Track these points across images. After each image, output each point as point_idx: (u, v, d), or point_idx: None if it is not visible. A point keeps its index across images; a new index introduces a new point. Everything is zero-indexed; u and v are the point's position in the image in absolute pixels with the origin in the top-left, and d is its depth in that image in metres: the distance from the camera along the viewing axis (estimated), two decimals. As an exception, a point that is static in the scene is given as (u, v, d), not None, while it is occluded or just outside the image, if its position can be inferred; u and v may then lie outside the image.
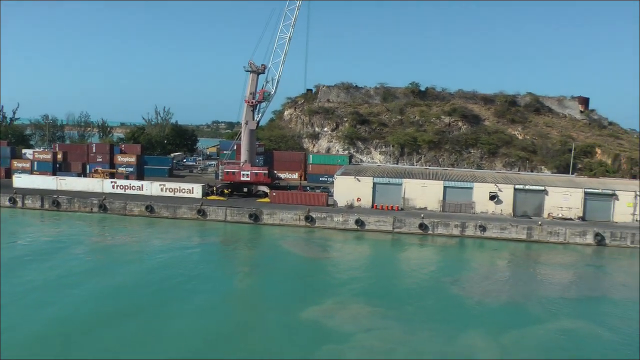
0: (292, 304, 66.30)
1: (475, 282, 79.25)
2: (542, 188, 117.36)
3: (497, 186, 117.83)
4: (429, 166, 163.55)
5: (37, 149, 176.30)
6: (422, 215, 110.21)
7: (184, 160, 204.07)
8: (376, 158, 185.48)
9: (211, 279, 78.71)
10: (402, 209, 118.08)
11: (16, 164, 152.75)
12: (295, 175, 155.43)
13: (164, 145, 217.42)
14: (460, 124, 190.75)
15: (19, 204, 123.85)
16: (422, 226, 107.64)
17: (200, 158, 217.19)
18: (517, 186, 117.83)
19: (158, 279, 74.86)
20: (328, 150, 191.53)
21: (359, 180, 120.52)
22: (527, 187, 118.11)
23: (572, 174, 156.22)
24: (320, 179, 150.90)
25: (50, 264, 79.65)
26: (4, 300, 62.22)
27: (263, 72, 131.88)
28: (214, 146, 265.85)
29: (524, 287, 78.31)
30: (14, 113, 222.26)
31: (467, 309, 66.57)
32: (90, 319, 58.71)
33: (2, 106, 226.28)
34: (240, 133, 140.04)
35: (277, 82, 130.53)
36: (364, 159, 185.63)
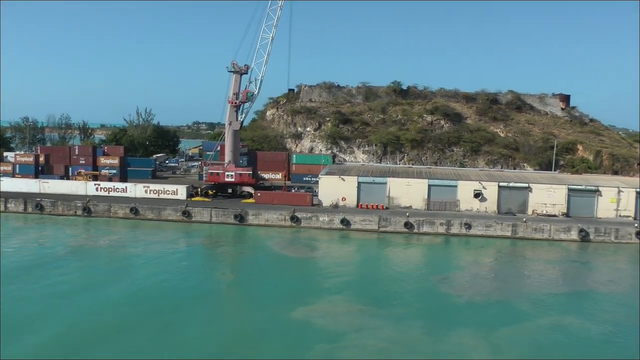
0: (281, 304, 66.07)
1: (464, 280, 79.58)
2: (526, 185, 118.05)
3: (481, 184, 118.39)
4: (412, 165, 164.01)
5: (18, 152, 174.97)
6: (407, 214, 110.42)
7: (167, 161, 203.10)
8: (359, 157, 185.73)
9: (198, 282, 78.43)
10: (387, 208, 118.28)
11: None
12: (279, 176, 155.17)
13: (146, 147, 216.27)
14: (442, 122, 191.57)
15: (2, 207, 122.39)
16: (407, 225, 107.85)
17: (183, 159, 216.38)
18: (501, 184, 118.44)
19: (149, 285, 74.16)
20: (311, 150, 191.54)
21: (344, 180, 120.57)
22: (511, 184, 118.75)
23: (555, 170, 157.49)
24: (304, 178, 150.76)
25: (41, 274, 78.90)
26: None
27: (246, 73, 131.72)
28: (196, 147, 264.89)
29: (513, 284, 78.77)
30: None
31: (456, 307, 66.90)
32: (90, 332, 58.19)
33: None
34: (224, 134, 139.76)
35: (260, 82, 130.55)
36: (347, 158, 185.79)
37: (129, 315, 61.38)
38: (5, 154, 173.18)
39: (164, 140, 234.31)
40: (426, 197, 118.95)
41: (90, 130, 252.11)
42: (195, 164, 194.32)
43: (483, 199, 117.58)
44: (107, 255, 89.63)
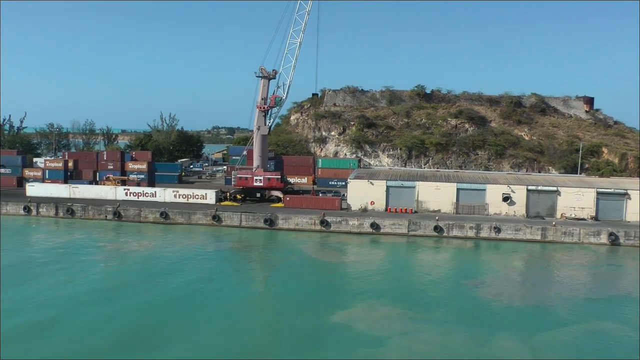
0: (319, 308, 66.58)
1: (499, 284, 79.50)
2: (555, 189, 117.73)
3: (509, 187, 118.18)
4: (437, 169, 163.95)
5: (48, 158, 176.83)
6: (436, 218, 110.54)
7: (191, 166, 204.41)
8: (384, 161, 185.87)
9: (235, 285, 79.35)
10: (415, 212, 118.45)
11: (28, 172, 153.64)
12: (305, 180, 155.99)
13: (170, 152, 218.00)
14: (466, 125, 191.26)
15: (34, 212, 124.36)
16: (437, 228, 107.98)
17: (207, 164, 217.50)
18: (529, 187, 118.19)
19: (188, 288, 75.06)
20: (336, 154, 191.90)
21: (372, 184, 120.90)
22: (539, 188, 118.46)
23: (580, 174, 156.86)
24: (330, 182, 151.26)
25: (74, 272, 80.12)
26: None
27: (274, 78, 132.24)
28: (219, 152, 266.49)
29: (548, 288, 78.65)
30: (21, 122, 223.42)
31: (496, 312, 66.91)
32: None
33: (10, 115, 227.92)
34: (252, 138, 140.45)
35: (288, 87, 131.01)
36: (372, 162, 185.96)
37: (174, 320, 62.05)
38: (34, 159, 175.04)
39: (187, 145, 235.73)
40: (455, 200, 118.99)
41: (114, 136, 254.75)
42: (221, 168, 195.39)
43: (512, 203, 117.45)
44: (147, 259, 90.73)
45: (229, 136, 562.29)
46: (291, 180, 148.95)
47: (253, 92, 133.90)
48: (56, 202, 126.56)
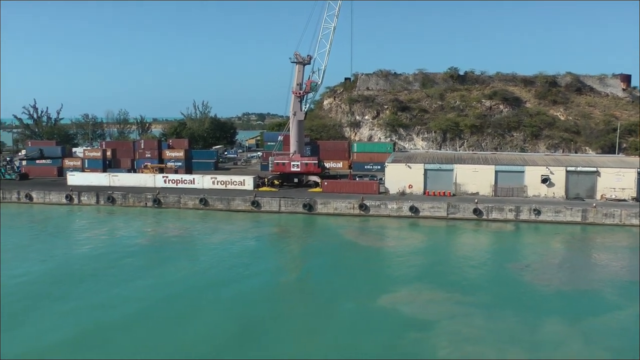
0: (364, 292, 66.77)
1: (545, 268, 78.49)
2: (594, 169, 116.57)
3: (548, 169, 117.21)
4: (472, 151, 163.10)
5: (87, 147, 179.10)
6: (475, 201, 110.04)
7: (226, 152, 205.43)
8: (418, 144, 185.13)
9: (280, 269, 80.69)
10: (454, 195, 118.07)
11: (67, 162, 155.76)
12: (340, 164, 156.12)
13: (205, 139, 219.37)
14: (501, 107, 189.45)
15: (75, 200, 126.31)
16: (476, 211, 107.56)
17: (241, 150, 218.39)
18: (568, 168, 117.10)
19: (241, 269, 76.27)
20: (370, 138, 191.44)
21: (410, 167, 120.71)
22: (578, 169, 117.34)
23: (618, 153, 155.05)
24: (365, 167, 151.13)
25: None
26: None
27: (309, 63, 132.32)
28: (252, 138, 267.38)
29: (594, 271, 78.07)
30: (58, 113, 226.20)
31: (544, 296, 66.20)
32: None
33: (47, 107, 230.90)
34: (288, 124, 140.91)
35: (323, 72, 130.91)
36: (406, 145, 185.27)
37: (223, 309, 62.81)
38: (73, 149, 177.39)
39: (221, 132, 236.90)
40: (493, 183, 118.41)
41: (147, 125, 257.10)
42: (255, 154, 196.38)
43: (551, 184, 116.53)
44: (197, 246, 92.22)
45: (259, 122, 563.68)
46: (327, 165, 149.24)
47: (283, 77, 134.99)
48: (96, 190, 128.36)
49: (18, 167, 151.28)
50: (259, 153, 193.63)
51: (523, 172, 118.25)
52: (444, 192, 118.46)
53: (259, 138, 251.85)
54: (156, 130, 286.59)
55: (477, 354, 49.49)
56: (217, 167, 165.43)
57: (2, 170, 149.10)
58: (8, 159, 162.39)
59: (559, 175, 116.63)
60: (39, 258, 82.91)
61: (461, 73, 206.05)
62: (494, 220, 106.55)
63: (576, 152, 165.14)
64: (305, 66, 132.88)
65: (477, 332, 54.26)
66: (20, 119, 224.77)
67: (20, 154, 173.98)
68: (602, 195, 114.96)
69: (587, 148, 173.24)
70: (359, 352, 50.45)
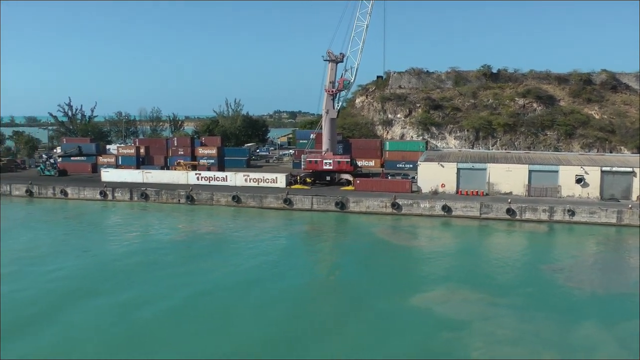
0: (397, 291, 66.64)
1: (579, 270, 77.58)
2: (630, 169, 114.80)
3: (583, 169, 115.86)
4: (505, 150, 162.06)
5: (120, 145, 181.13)
6: (509, 200, 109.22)
7: (258, 150, 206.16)
8: (451, 143, 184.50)
9: (312, 267, 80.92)
10: (487, 194, 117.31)
11: (102, 159, 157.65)
12: (372, 163, 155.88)
13: (237, 137, 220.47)
14: (534, 105, 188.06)
15: (109, 196, 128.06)
16: (509, 211, 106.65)
17: (273, 148, 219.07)
18: (604, 168, 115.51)
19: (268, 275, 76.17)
20: (402, 136, 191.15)
21: (443, 166, 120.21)
22: (614, 169, 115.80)
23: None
24: (397, 165, 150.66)
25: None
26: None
27: (342, 61, 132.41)
28: (284, 136, 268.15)
29: (630, 275, 76.31)
30: (92, 111, 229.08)
31: (576, 298, 65.52)
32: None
33: (81, 105, 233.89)
34: (320, 122, 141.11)
35: (356, 70, 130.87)
36: (439, 144, 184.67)
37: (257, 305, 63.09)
38: (107, 146, 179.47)
39: (253, 129, 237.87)
40: (527, 182, 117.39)
41: (180, 122, 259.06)
42: (287, 152, 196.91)
43: (585, 185, 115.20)
44: (231, 243, 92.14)
45: (290, 120, 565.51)
46: (359, 163, 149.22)
47: (315, 75, 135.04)
48: (130, 186, 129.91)
49: (55, 164, 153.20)
50: (290, 151, 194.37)
51: (557, 171, 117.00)
52: (477, 192, 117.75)
53: (290, 136, 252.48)
54: (188, 127, 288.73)
55: (511, 356, 49.08)
56: (249, 165, 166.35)
57: (42, 167, 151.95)
58: (45, 155, 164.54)
59: (593, 176, 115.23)
60: (74, 253, 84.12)
61: (494, 71, 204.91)
62: (527, 221, 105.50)
63: (611, 152, 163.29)
64: (338, 64, 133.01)
65: (511, 334, 53.79)
66: (55, 117, 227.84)
67: (54, 150, 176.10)
68: (638, 196, 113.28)
69: (622, 148, 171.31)
70: (391, 352, 50.29)
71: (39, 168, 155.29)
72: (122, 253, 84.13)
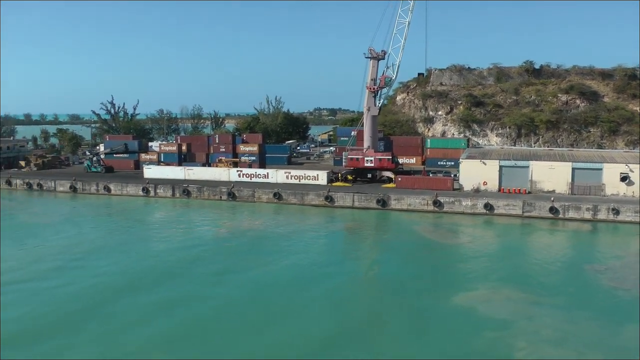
0: (441, 289, 66.75)
1: (624, 270, 76.05)
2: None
3: (628, 166, 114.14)
4: (548, 147, 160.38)
5: (162, 142, 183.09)
6: (552, 199, 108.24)
7: (298, 147, 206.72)
8: (492, 140, 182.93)
9: (355, 264, 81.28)
10: (529, 192, 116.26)
11: (144, 156, 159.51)
12: (413, 160, 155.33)
13: (278, 134, 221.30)
14: (578, 101, 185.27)
15: (152, 193, 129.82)
16: (552, 210, 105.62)
17: (314, 145, 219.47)
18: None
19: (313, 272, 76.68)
20: (443, 134, 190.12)
21: (485, 164, 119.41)
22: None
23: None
24: (439, 163, 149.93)
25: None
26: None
27: (383, 58, 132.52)
28: (324, 133, 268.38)
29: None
30: (135, 109, 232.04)
31: (622, 299, 64.57)
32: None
33: (124, 103, 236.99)
34: (362, 119, 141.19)
35: (398, 67, 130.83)
36: (480, 141, 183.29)
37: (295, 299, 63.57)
38: (149, 143, 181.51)
39: (294, 127, 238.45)
40: (570, 180, 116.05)
41: (221, 120, 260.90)
42: (328, 149, 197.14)
43: (630, 183, 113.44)
44: (274, 241, 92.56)
45: (330, 117, 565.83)
46: (400, 160, 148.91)
47: (355, 73, 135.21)
48: (172, 183, 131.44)
49: (100, 160, 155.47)
50: (331, 148, 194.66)
51: (601, 169, 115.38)
52: (519, 190, 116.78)
53: (331, 133, 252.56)
54: (229, 125, 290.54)
55: (556, 357, 48.85)
56: (290, 162, 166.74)
57: (89, 163, 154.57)
58: (88, 153, 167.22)
59: (639, 174, 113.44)
60: (119, 249, 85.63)
61: (536, 67, 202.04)
62: (571, 220, 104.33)
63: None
64: (380, 61, 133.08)
65: (555, 334, 53.38)
66: (98, 115, 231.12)
67: (97, 148, 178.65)
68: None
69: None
70: (435, 352, 50.37)
71: (85, 165, 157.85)
72: (167, 249, 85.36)
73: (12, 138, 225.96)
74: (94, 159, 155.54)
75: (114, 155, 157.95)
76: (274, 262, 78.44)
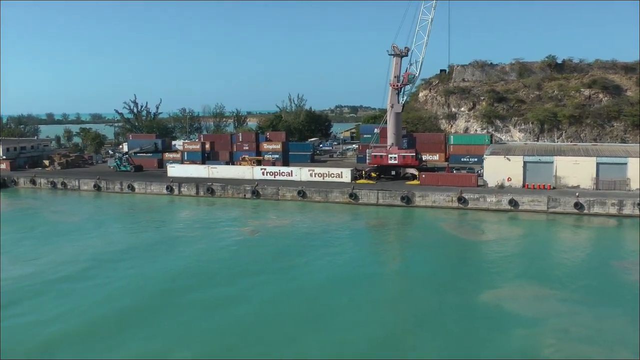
0: (466, 286, 67.00)
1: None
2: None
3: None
4: (572, 142, 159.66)
5: (186, 140, 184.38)
6: (576, 194, 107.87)
7: (321, 145, 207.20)
8: (515, 136, 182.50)
9: (381, 261, 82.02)
10: (554, 188, 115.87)
11: (167, 154, 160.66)
12: (436, 157, 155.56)
13: (300, 132, 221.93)
14: (600, 96, 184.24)
15: (176, 191, 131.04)
16: (577, 205, 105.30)
17: (336, 143, 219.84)
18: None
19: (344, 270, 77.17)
20: (466, 130, 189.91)
21: (509, 160, 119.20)
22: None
23: None
24: (462, 159, 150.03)
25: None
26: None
27: (406, 55, 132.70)
28: (347, 130, 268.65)
29: None
30: (157, 108, 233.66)
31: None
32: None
33: (147, 102, 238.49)
34: (385, 116, 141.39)
35: (421, 64, 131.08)
36: (503, 137, 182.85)
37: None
38: (173, 142, 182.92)
39: (316, 124, 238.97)
40: (594, 175, 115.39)
41: (243, 118, 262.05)
42: (351, 147, 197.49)
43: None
44: (302, 239, 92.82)
45: (352, 115, 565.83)
46: (423, 157, 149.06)
47: (377, 70, 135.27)
48: (196, 182, 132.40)
49: (128, 159, 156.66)
50: (354, 145, 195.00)
51: (626, 164, 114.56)
52: (544, 185, 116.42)
53: (353, 131, 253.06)
54: (252, 123, 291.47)
55: (587, 355, 48.82)
56: (313, 160, 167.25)
57: (118, 162, 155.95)
58: (111, 152, 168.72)
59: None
60: (152, 250, 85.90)
61: (559, 61, 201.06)
62: (596, 215, 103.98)
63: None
64: (403, 58, 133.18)
65: (586, 332, 53.34)
66: (121, 114, 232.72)
67: (120, 147, 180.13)
68: None
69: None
70: (465, 349, 50.64)
71: (114, 163, 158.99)
72: (200, 251, 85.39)
73: (35, 137, 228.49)
74: (124, 158, 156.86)
75: (138, 154, 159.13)
76: (310, 262, 78.51)
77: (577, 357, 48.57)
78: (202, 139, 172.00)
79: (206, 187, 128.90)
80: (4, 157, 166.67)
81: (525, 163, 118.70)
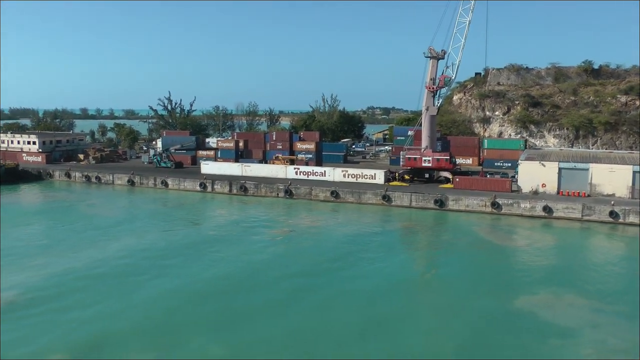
0: (500, 292, 66.87)
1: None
2: None
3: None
4: (607, 149, 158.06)
5: (220, 138, 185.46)
6: (612, 203, 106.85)
7: (353, 146, 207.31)
8: (550, 142, 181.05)
9: (413, 264, 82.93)
10: (588, 195, 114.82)
11: (201, 152, 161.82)
12: (470, 161, 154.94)
13: (333, 132, 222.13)
14: (637, 103, 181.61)
15: (209, 188, 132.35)
16: (612, 214, 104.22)
17: (369, 144, 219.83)
18: None
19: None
20: (500, 134, 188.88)
21: (544, 165, 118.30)
22: None
23: None
24: (496, 164, 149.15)
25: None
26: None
27: (443, 58, 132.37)
28: (379, 132, 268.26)
29: None
30: (191, 106, 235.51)
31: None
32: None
33: (181, 100, 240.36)
34: (420, 119, 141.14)
35: (457, 66, 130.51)
36: (537, 142, 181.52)
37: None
38: (207, 140, 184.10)
39: (349, 125, 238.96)
40: (631, 184, 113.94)
41: (276, 117, 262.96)
42: (384, 148, 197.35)
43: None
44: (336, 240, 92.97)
45: (384, 116, 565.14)
46: (457, 161, 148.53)
47: (411, 72, 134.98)
48: (229, 179, 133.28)
49: (168, 155, 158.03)
50: (387, 147, 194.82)
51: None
52: (578, 193, 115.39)
53: (386, 132, 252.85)
54: (284, 122, 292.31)
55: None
56: (346, 161, 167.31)
57: (158, 159, 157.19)
58: (145, 147, 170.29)
59: None
60: (210, 251, 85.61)
61: (595, 67, 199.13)
62: (631, 224, 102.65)
63: None
64: (439, 61, 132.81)
65: (625, 345, 52.72)
66: (155, 110, 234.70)
67: (154, 143, 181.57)
68: None
69: None
70: (496, 353, 50.58)
71: (155, 160, 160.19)
72: (242, 251, 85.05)
73: (71, 132, 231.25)
74: (164, 154, 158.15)
75: (172, 150, 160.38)
76: (348, 267, 78.16)
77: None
78: (235, 136, 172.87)
79: (239, 185, 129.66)
80: (40, 150, 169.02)
81: (560, 169, 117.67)
